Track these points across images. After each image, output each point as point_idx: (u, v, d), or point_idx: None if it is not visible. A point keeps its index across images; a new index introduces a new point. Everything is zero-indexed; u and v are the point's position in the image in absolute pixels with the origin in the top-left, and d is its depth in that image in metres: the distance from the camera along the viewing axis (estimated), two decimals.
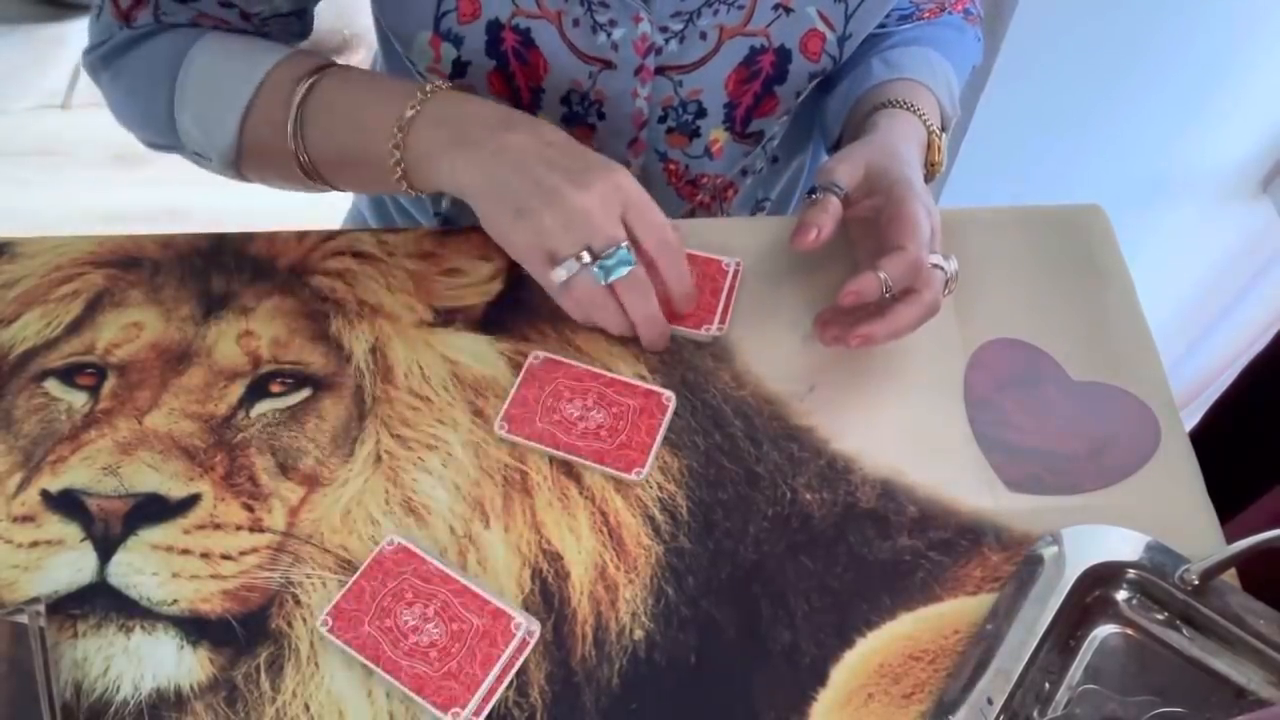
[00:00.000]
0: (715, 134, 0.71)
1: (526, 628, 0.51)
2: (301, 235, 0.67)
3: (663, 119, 0.70)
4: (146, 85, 0.64)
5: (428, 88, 0.58)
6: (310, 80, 0.61)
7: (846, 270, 0.66)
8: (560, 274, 0.55)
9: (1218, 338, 1.47)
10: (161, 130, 0.66)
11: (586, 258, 0.55)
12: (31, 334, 0.62)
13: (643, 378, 0.61)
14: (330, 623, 0.51)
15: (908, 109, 0.67)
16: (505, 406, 0.59)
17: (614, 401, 0.59)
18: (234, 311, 0.63)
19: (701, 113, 0.70)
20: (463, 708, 0.49)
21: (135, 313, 0.63)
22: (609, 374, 0.61)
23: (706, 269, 0.64)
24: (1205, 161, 1.26)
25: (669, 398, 0.60)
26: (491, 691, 0.50)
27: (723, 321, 0.63)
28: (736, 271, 0.65)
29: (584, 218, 0.54)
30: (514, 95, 0.67)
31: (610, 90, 0.67)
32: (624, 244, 0.55)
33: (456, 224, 0.80)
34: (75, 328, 0.62)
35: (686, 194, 0.76)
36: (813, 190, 0.60)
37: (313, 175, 0.64)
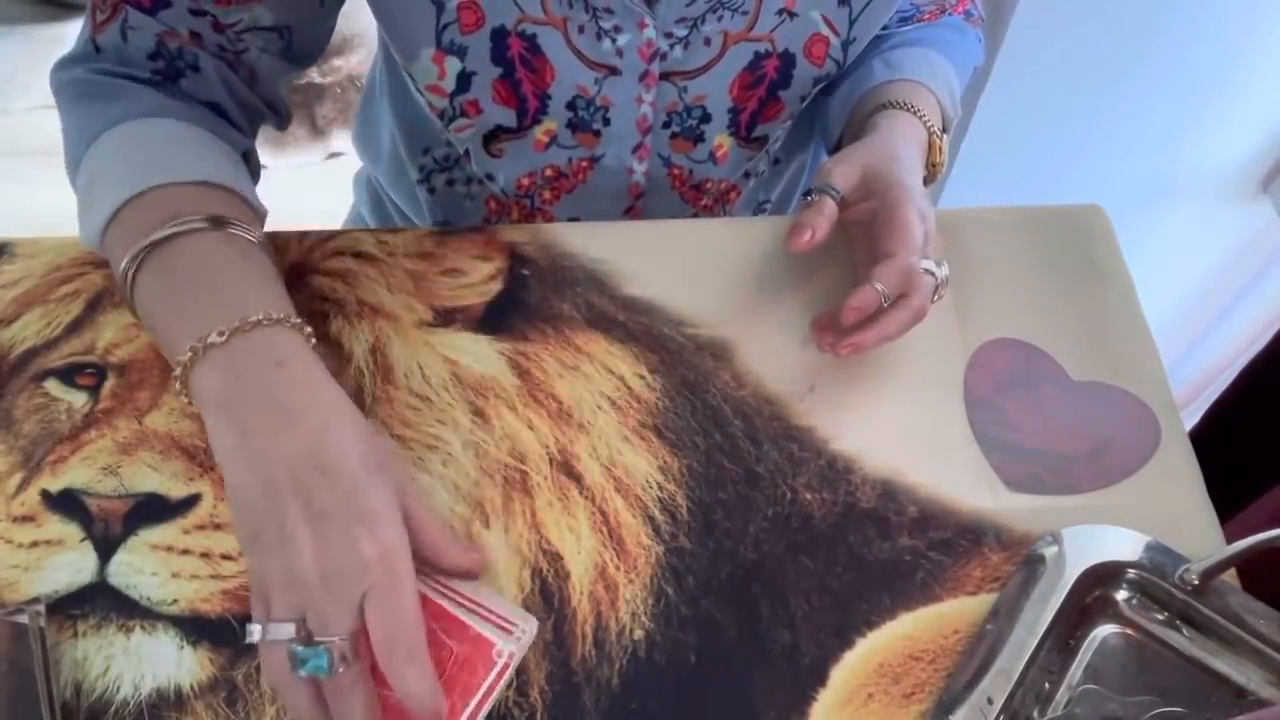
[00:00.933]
0: (720, 139, 0.72)
1: (508, 652, 0.48)
2: (302, 235, 0.67)
3: (667, 124, 0.70)
4: (77, 135, 0.58)
5: (257, 316, 0.49)
6: (185, 225, 0.51)
7: (846, 272, 0.66)
8: (253, 633, 0.45)
9: (1218, 338, 1.47)
10: (71, 182, 0.59)
11: (287, 632, 0.44)
12: (31, 334, 0.62)
13: (641, 377, 0.61)
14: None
15: (908, 110, 0.67)
16: None
17: (437, 643, 0.48)
18: None
19: (706, 118, 0.70)
20: None
21: None
22: (450, 606, 0.49)
23: (476, 648, 0.48)
24: (1205, 161, 1.26)
25: (502, 653, 0.48)
26: (480, 703, 0.47)
27: (519, 619, 0.49)
28: (505, 666, 0.48)
29: (305, 588, 0.44)
30: (520, 102, 0.67)
31: (616, 96, 0.67)
32: (333, 643, 0.43)
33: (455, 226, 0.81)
34: (75, 328, 0.62)
35: (690, 198, 0.76)
36: (808, 192, 0.60)
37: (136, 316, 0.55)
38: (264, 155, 1.78)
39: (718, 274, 0.66)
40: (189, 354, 0.48)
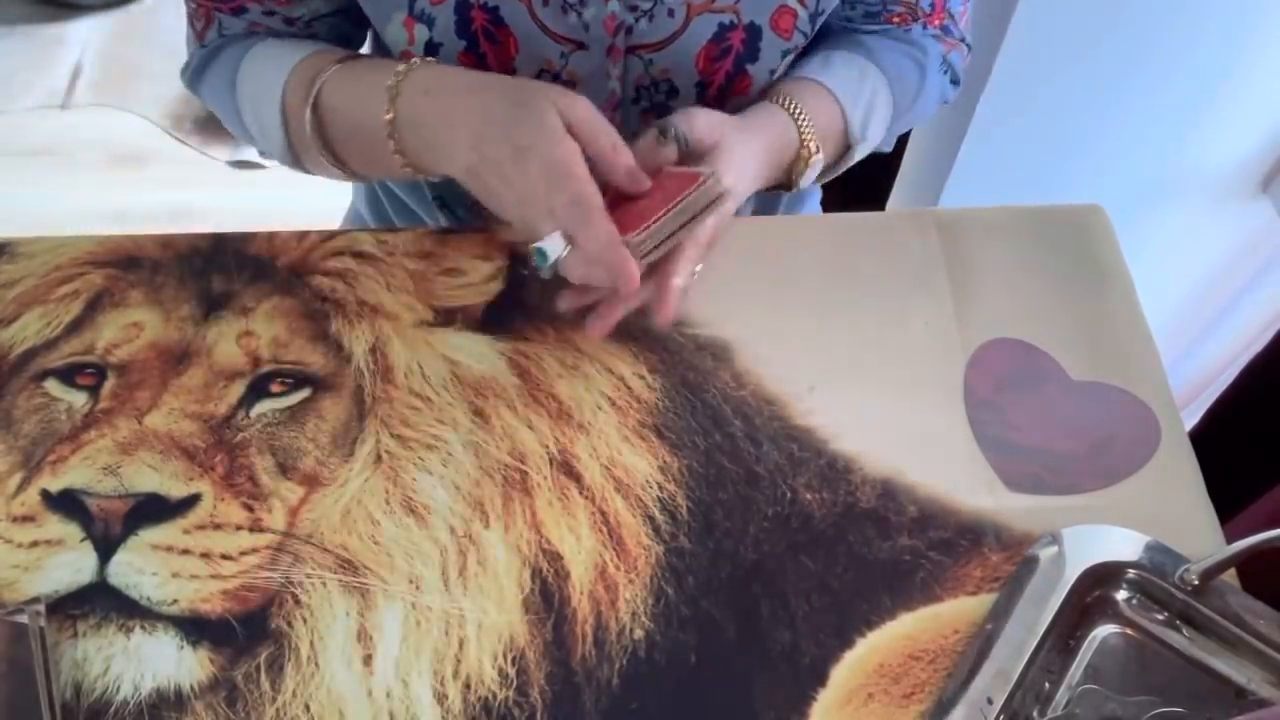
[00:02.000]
0: None
1: (710, 172, 0.55)
2: (301, 235, 0.67)
3: (636, 99, 0.70)
4: (224, 99, 0.69)
5: (391, 80, 0.59)
6: (331, 69, 0.63)
7: (846, 273, 0.67)
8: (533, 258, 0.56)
9: (1218, 338, 1.46)
10: (246, 137, 0.70)
11: (549, 245, 0.54)
12: (31, 334, 0.62)
13: (641, 377, 0.61)
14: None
15: (795, 119, 0.66)
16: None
17: (656, 183, 0.58)
18: (234, 311, 0.63)
19: (673, 92, 0.69)
20: (631, 233, 0.54)
21: (135, 313, 0.63)
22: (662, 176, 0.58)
23: (684, 178, 0.57)
24: (1205, 161, 1.25)
25: (705, 175, 0.56)
26: (659, 218, 0.55)
27: (643, 231, 0.55)
28: (702, 183, 0.56)
29: (521, 215, 0.55)
30: None
31: (583, 71, 0.67)
32: (550, 240, 0.54)
33: (453, 211, 0.81)
34: (75, 328, 0.62)
35: None
36: (663, 130, 0.60)
37: (342, 165, 0.66)
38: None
39: (718, 274, 0.66)
40: (385, 128, 0.59)
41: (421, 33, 0.65)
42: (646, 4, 0.65)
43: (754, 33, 0.67)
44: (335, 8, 0.67)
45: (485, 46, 0.65)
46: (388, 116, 0.59)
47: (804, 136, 0.66)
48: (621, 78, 0.68)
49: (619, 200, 0.57)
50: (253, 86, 0.66)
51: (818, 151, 0.67)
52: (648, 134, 0.60)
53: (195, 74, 0.71)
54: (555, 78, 0.67)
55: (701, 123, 0.61)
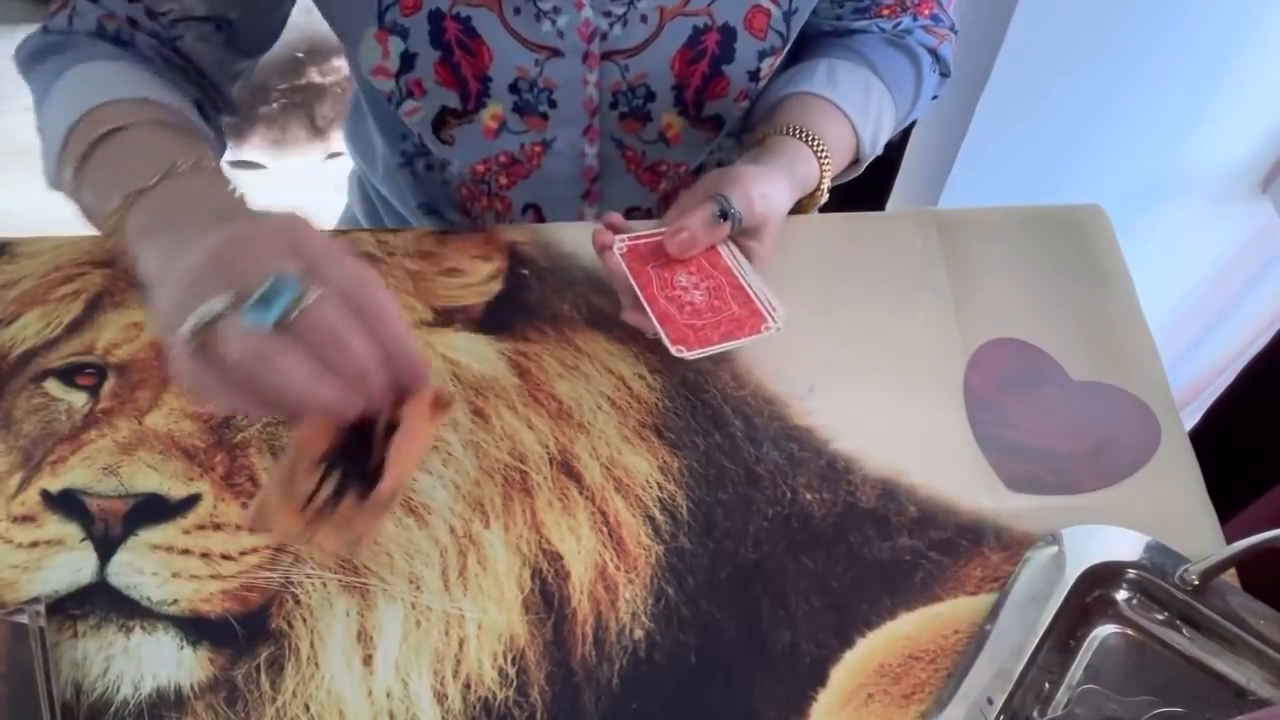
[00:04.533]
0: (668, 118, 0.71)
1: (774, 329, 0.56)
2: None
3: (614, 105, 0.70)
4: (40, 96, 0.62)
5: (180, 164, 0.49)
6: (118, 133, 0.54)
7: (847, 273, 0.67)
8: (189, 324, 0.40)
9: (1218, 338, 1.47)
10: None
11: (225, 302, 0.40)
12: (31, 334, 0.62)
13: (641, 377, 0.61)
14: (625, 248, 0.59)
15: (814, 149, 0.66)
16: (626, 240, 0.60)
17: (723, 297, 0.58)
18: None
19: (650, 96, 0.69)
20: (689, 349, 0.55)
21: (135, 313, 0.63)
22: (739, 274, 0.59)
23: (750, 316, 0.58)
24: (1205, 161, 1.25)
25: (770, 329, 0.57)
26: (716, 345, 0.56)
27: (780, 309, 0.57)
28: (762, 335, 0.57)
29: (224, 262, 0.41)
30: (461, 85, 0.67)
31: (559, 77, 0.67)
32: (285, 276, 0.40)
33: (441, 215, 0.81)
34: (75, 328, 0.62)
35: (648, 182, 0.76)
36: (724, 212, 0.59)
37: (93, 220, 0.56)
38: (264, 155, 1.78)
39: None
40: (120, 201, 0.49)
41: (396, 45, 0.65)
42: (620, 10, 0.65)
43: (728, 34, 0.67)
44: (209, 14, 0.62)
45: (460, 56, 0.65)
46: (111, 238, 0.51)
47: (822, 176, 0.67)
48: (599, 84, 0.68)
49: (666, 287, 0.59)
50: (55, 105, 0.59)
51: (828, 190, 0.68)
52: (704, 210, 0.59)
53: (30, 58, 0.63)
54: (532, 85, 0.67)
55: (757, 204, 0.60)
